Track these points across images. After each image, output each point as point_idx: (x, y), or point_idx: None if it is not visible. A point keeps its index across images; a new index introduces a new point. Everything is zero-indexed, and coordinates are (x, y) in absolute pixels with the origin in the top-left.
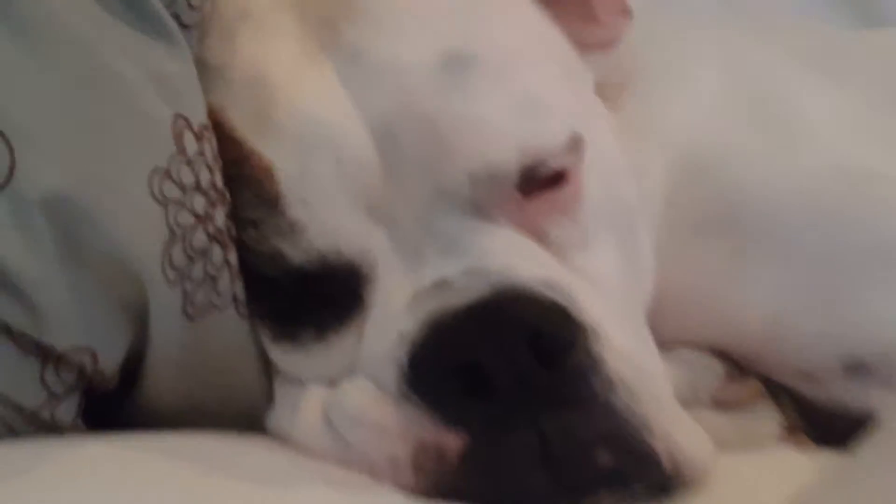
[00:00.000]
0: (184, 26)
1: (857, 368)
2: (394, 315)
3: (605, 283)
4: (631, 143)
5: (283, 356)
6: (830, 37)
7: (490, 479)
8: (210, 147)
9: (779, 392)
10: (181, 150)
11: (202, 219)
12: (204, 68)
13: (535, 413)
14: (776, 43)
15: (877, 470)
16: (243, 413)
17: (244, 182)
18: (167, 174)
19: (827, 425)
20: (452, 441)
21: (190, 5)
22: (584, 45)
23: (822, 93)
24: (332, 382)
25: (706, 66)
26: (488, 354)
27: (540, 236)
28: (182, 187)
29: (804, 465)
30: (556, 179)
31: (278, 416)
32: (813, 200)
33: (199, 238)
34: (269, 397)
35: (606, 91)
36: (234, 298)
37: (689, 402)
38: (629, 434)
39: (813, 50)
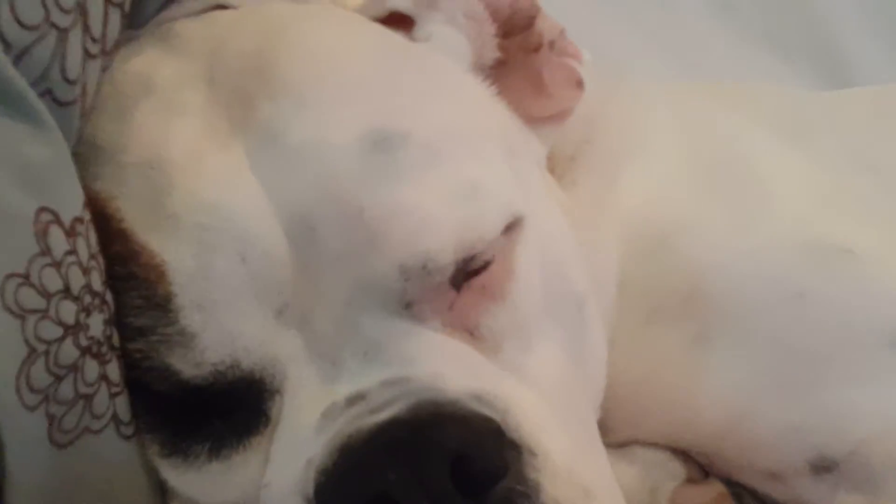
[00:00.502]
0: (60, 103)
1: (825, 467)
2: (302, 435)
3: (548, 383)
4: (583, 219)
5: (175, 475)
6: (798, 99)
7: None
8: (86, 244)
9: (743, 494)
10: (45, 250)
11: (71, 329)
12: (93, 151)
13: None
14: (740, 108)
15: None
16: None
17: (131, 282)
18: (25, 280)
19: None
20: None
21: (66, 79)
22: (533, 119)
23: (788, 160)
24: None
25: (664, 135)
26: (402, 486)
27: (471, 331)
28: (45, 294)
29: None
30: (485, 263)
31: None
32: (777, 281)
33: (68, 351)
34: None
35: (558, 164)
36: (115, 417)
37: None
38: None
39: (779, 113)
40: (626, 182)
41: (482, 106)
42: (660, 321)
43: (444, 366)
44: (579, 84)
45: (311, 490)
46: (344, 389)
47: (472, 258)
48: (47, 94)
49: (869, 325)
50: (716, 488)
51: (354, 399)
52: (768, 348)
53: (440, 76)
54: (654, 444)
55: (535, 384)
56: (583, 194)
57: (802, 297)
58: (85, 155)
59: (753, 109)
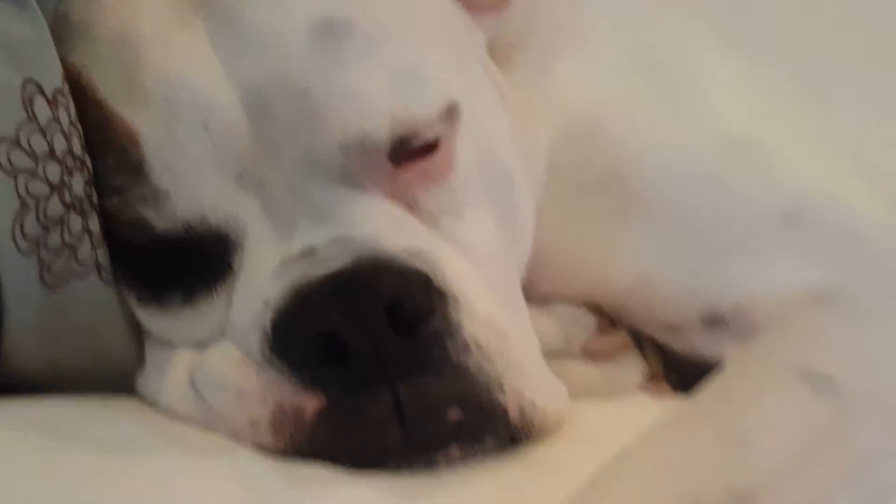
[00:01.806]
0: None
1: (715, 322)
2: (260, 282)
3: (476, 249)
4: (519, 103)
5: (152, 320)
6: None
7: (345, 438)
8: (66, 112)
9: (644, 343)
10: (32, 117)
11: (57, 187)
12: (67, 25)
13: (391, 376)
14: (678, 5)
15: (698, 411)
16: (115, 376)
17: (107, 147)
18: (16, 143)
19: (688, 374)
20: (309, 402)
21: None
22: (475, 7)
23: (721, 58)
24: (201, 345)
25: (603, 26)
26: (345, 324)
27: (410, 205)
28: (34, 156)
29: (654, 410)
30: (428, 148)
31: (147, 380)
32: (691, 166)
33: (55, 207)
34: (140, 360)
35: (498, 51)
36: (97, 265)
37: (561, 353)
38: (479, 393)
39: (717, 11)
40: (562, 70)
41: None
42: (584, 197)
43: (382, 226)
44: None
45: (268, 326)
46: (297, 245)
47: (410, 138)
48: None
49: (766, 206)
50: (621, 337)
51: (306, 253)
52: (677, 223)
53: None
54: (571, 301)
55: (466, 248)
56: (521, 79)
57: (709, 180)
58: (60, 30)
59: (692, 7)
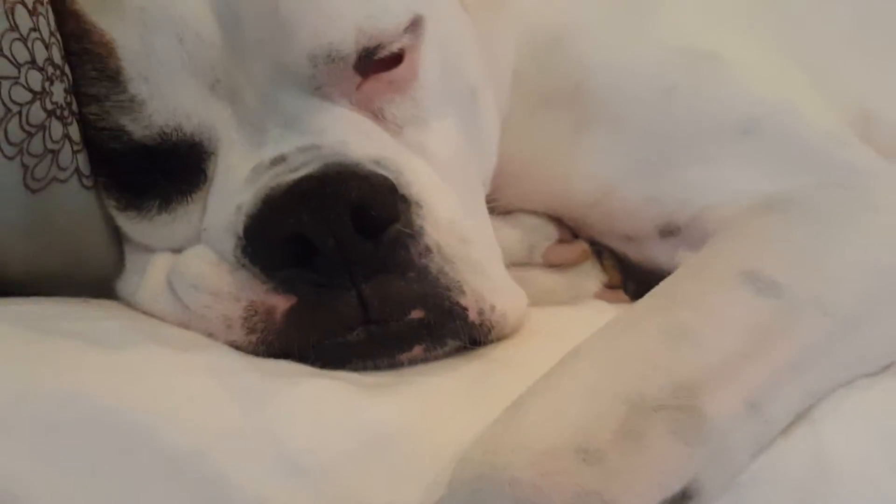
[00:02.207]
0: None
1: (670, 231)
2: (233, 188)
3: (440, 157)
4: (485, 16)
5: (130, 225)
6: None
7: (313, 336)
8: (46, 22)
9: (604, 253)
10: (13, 26)
11: (38, 94)
12: None
13: (356, 277)
14: None
15: (645, 309)
16: (95, 279)
17: (85, 57)
18: None
19: (645, 283)
20: (280, 302)
21: None
22: None
23: None
24: (177, 249)
25: None
26: (312, 227)
27: (376, 114)
28: (15, 64)
29: (610, 313)
30: (393, 60)
31: (126, 282)
32: (651, 77)
33: (36, 113)
34: (119, 264)
35: None
36: (77, 170)
37: (524, 261)
38: (440, 294)
39: None
40: None
41: None
42: (548, 109)
43: (349, 135)
44: None
45: (240, 229)
46: (268, 152)
47: (375, 48)
48: None
49: (723, 117)
50: (581, 246)
51: (277, 161)
52: (636, 135)
53: None
54: (534, 212)
55: (430, 157)
56: None
57: (669, 92)
58: None
59: None
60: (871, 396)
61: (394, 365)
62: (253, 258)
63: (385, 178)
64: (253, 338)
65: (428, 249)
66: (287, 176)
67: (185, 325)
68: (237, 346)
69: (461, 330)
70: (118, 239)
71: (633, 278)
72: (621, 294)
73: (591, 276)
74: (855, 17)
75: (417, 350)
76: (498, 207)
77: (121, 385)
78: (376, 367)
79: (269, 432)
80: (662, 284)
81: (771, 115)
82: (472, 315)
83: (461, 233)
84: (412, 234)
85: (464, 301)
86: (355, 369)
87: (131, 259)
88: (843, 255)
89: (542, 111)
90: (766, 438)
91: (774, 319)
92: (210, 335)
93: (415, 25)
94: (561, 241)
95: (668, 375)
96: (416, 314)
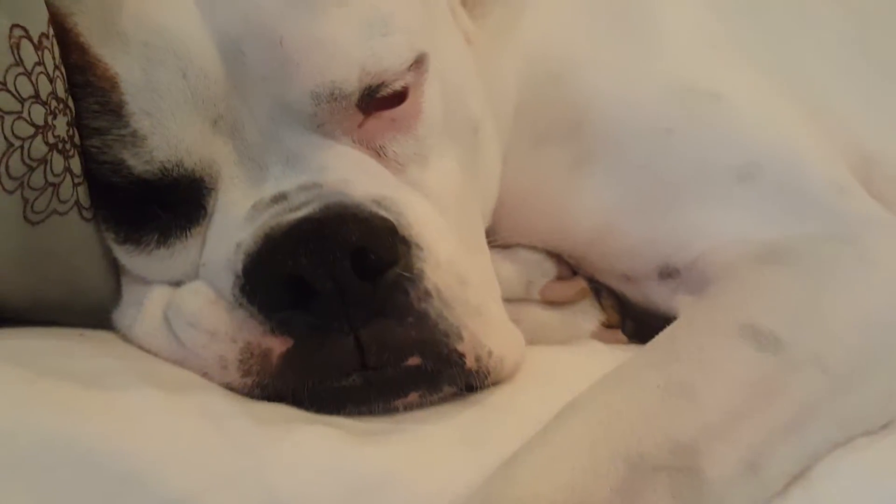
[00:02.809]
0: None
1: (669, 274)
2: (234, 225)
3: (441, 195)
4: (487, 49)
5: (128, 258)
6: None
7: (309, 381)
8: (51, 56)
9: (602, 291)
10: (18, 61)
11: (41, 128)
12: None
13: (354, 321)
14: None
15: (644, 364)
16: (92, 309)
17: (88, 90)
18: (2, 86)
19: (644, 322)
20: (276, 345)
21: None
22: None
23: (685, 5)
24: (175, 282)
25: None
26: (312, 270)
27: (378, 152)
28: (19, 98)
29: (607, 356)
30: (396, 97)
31: (123, 314)
32: (651, 117)
33: (38, 147)
34: (116, 295)
35: None
36: (77, 203)
37: (521, 296)
38: (438, 341)
39: None
40: (528, 19)
41: None
42: (548, 144)
43: (350, 174)
44: None
45: (239, 268)
46: (269, 189)
47: (378, 86)
48: None
49: (721, 160)
50: (580, 284)
51: (277, 198)
52: (635, 174)
53: None
54: (533, 247)
55: (431, 194)
56: (489, 26)
57: (670, 132)
58: None
59: None
60: (870, 456)
61: (389, 411)
62: (251, 298)
63: (385, 220)
64: (248, 380)
65: (427, 293)
66: (287, 215)
67: (180, 363)
68: (232, 388)
69: (458, 376)
70: (116, 269)
71: (632, 318)
72: (619, 334)
73: (589, 315)
74: (856, 58)
75: (413, 396)
76: (497, 241)
77: (114, 429)
78: (371, 413)
79: (261, 480)
80: (660, 336)
81: (771, 160)
82: (470, 361)
83: (461, 274)
84: (412, 278)
85: (461, 347)
86: (350, 415)
87: (128, 290)
88: (841, 312)
89: (543, 146)
90: (763, 500)
91: (773, 376)
92: (205, 374)
93: (418, 63)
94: (559, 277)
95: (666, 434)
96: (414, 361)
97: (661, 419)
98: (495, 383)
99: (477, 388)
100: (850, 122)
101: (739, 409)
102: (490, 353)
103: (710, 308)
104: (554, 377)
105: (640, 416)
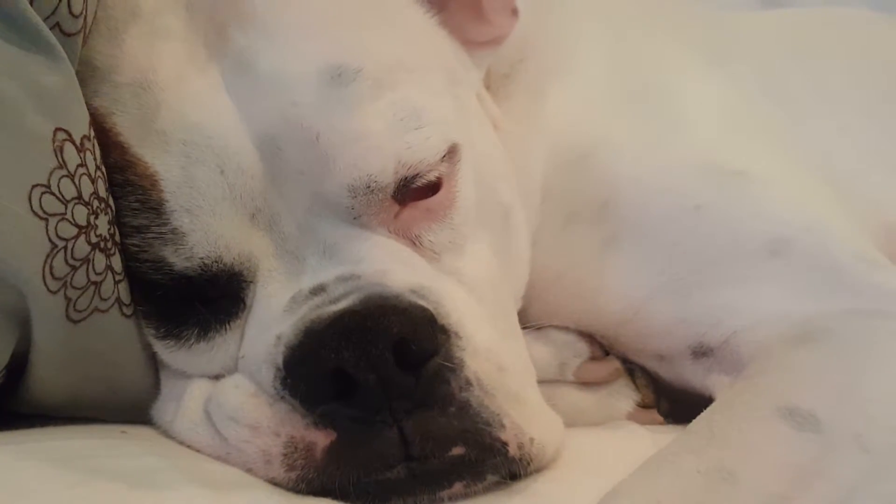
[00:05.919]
0: (66, 34)
1: (703, 353)
2: (273, 317)
3: (476, 282)
4: (514, 133)
5: (168, 353)
6: (722, 22)
7: (354, 474)
8: (92, 157)
9: (636, 371)
10: (62, 163)
11: (84, 229)
12: (90, 70)
13: (397, 413)
14: (666, 31)
15: (683, 449)
16: (132, 404)
17: (128, 188)
18: (47, 189)
19: (679, 402)
20: (319, 438)
21: (72, 13)
22: (471, 43)
23: (707, 85)
24: (214, 376)
25: (592, 57)
26: (354, 363)
27: (414, 241)
28: (63, 200)
29: (646, 439)
30: (431, 188)
31: (162, 409)
32: (680, 197)
33: (81, 247)
34: (156, 389)
35: (493, 80)
36: (118, 300)
37: (554, 377)
38: (481, 429)
39: (703, 37)
40: (553, 100)
41: (428, 36)
42: (576, 225)
43: (388, 264)
44: (515, 11)
45: (280, 361)
46: (307, 281)
47: (413, 177)
48: (56, 27)
49: (751, 237)
50: (613, 364)
51: (316, 290)
52: (666, 252)
53: (391, 10)
54: (565, 328)
55: (467, 282)
56: (515, 109)
57: (698, 210)
58: (83, 74)
59: (680, 32)
60: None
61: (434, 502)
62: (293, 391)
63: (424, 310)
64: (293, 475)
65: (468, 382)
66: (327, 308)
67: (222, 459)
68: (276, 483)
69: (501, 465)
70: (154, 364)
71: (667, 397)
72: (655, 414)
73: (624, 395)
74: (874, 127)
75: (458, 487)
76: (529, 323)
77: None
78: None
79: None
80: (698, 420)
81: (800, 236)
82: (512, 449)
83: (499, 361)
84: (453, 368)
85: (504, 436)
86: None
87: (167, 385)
88: (878, 389)
89: (571, 227)
90: None
91: (814, 457)
92: (249, 470)
93: (451, 153)
94: (592, 358)
95: None
96: (457, 451)
97: None
98: (538, 470)
99: (520, 476)
100: (869, 190)
101: (781, 492)
102: (532, 440)
103: (748, 390)
104: (595, 463)
105: (680, 503)
